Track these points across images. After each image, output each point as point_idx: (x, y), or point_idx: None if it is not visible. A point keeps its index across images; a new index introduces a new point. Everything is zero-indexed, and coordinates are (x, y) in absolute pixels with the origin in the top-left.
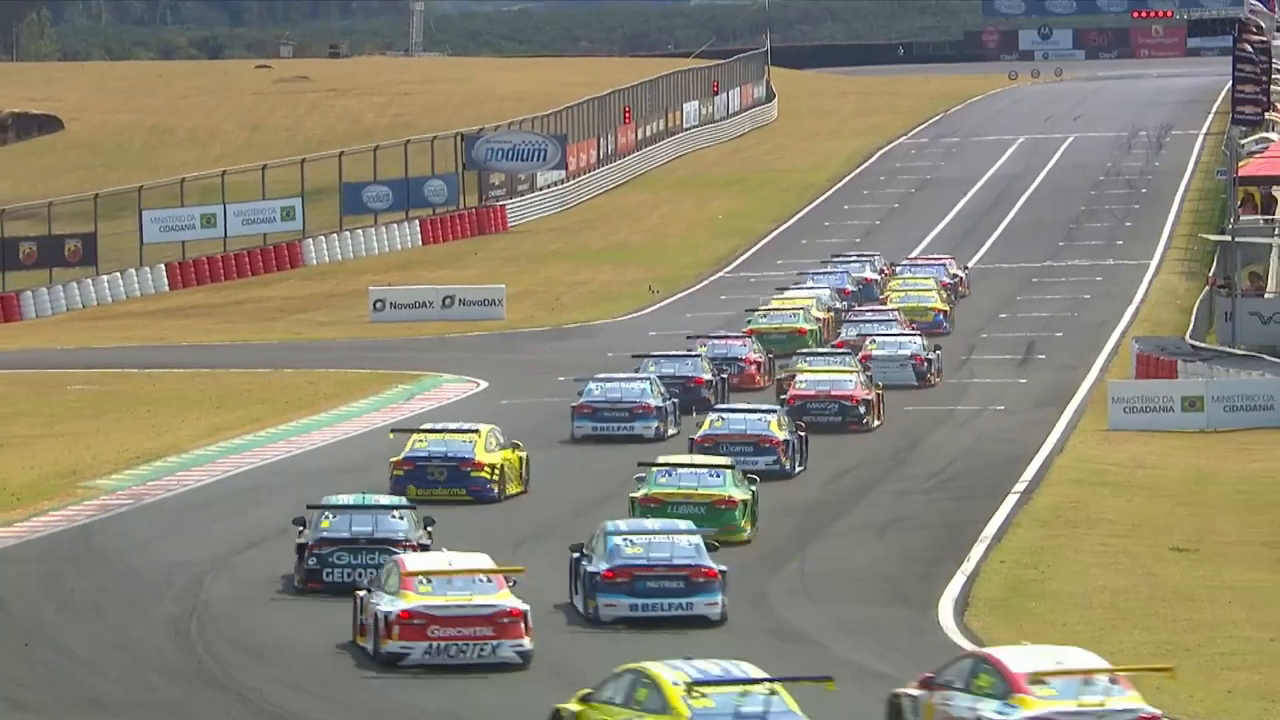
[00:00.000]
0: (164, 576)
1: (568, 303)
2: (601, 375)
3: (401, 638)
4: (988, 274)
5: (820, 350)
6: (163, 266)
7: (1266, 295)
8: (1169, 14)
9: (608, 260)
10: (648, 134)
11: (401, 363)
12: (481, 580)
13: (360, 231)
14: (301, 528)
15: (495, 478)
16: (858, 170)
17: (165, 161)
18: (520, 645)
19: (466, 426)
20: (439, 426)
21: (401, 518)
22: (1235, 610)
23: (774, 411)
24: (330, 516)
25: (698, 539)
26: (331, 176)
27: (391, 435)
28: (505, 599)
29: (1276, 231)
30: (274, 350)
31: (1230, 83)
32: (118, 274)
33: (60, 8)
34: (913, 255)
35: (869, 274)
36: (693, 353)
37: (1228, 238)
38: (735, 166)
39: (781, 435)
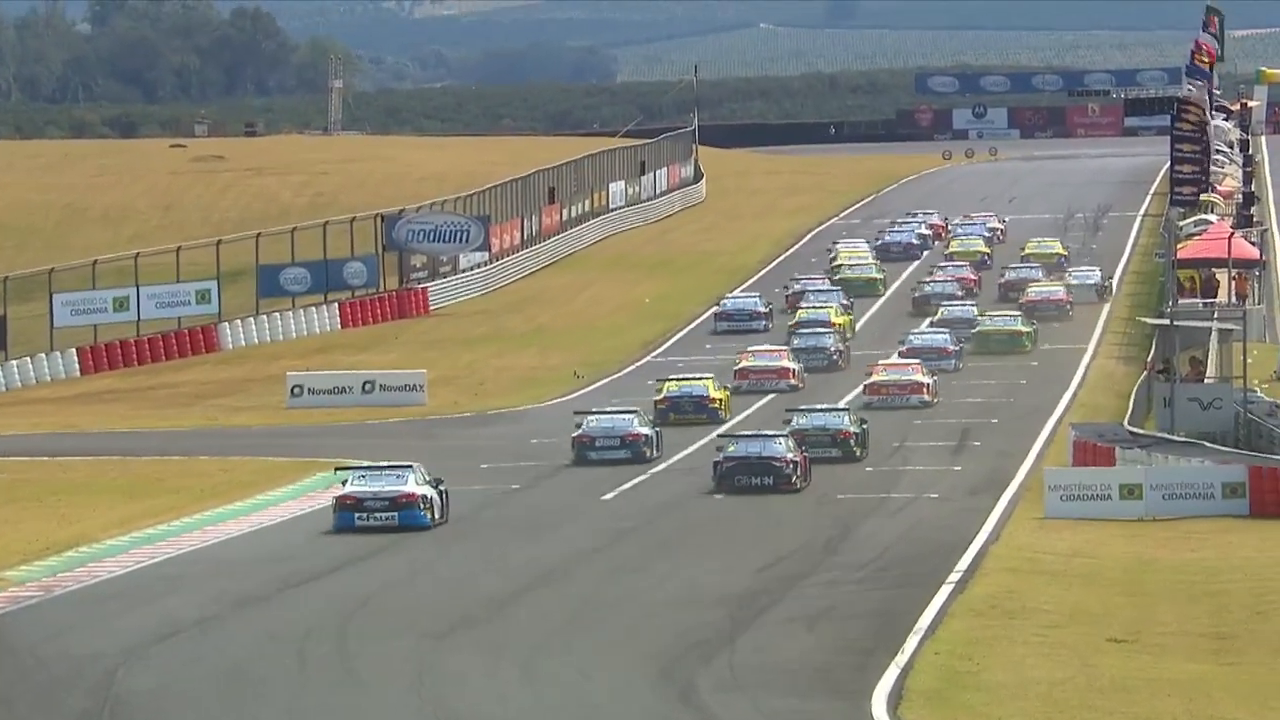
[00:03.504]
0: (75, 669)
1: (491, 388)
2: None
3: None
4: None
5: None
6: (74, 351)
7: (1206, 380)
8: (1106, 92)
9: (532, 344)
10: (573, 215)
11: (320, 450)
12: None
13: (278, 314)
14: None
15: (723, 408)
16: (789, 251)
17: (77, 242)
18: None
19: (703, 375)
20: (685, 376)
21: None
22: (1173, 703)
23: None
24: None
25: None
26: (248, 258)
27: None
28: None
29: (1216, 315)
30: (188, 437)
31: (1169, 163)
32: (28, 358)
33: None
34: (968, 215)
35: (924, 230)
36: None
37: (1166, 321)
38: (663, 248)
39: None
